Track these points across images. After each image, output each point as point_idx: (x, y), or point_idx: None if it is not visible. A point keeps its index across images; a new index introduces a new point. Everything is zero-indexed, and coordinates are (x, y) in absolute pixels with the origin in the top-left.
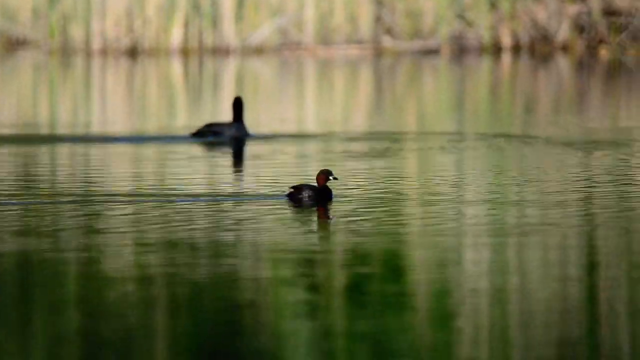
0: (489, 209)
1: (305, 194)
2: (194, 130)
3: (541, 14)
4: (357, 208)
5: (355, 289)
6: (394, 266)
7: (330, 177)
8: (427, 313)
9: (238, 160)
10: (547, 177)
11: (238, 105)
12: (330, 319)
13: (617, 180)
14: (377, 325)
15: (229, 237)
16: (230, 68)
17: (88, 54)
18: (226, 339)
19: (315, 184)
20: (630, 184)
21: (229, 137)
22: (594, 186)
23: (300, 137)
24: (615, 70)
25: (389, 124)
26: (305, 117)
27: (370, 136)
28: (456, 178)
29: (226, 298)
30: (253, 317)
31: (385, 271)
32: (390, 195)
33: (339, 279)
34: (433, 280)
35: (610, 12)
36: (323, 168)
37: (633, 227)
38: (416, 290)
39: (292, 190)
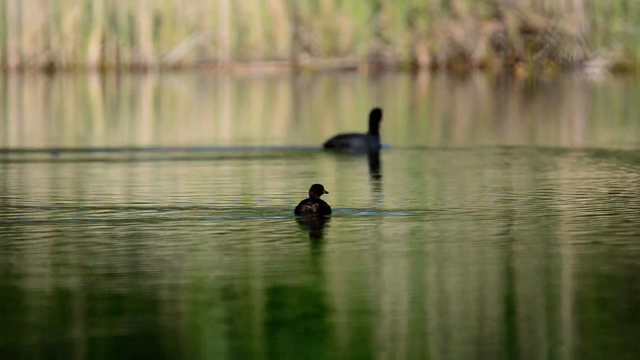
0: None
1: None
2: (324, 141)
3: (458, 32)
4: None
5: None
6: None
7: (324, 192)
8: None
9: (374, 170)
10: (466, 189)
11: (375, 117)
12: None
13: (534, 191)
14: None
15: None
16: (147, 85)
17: (4, 70)
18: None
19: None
20: (547, 195)
21: (356, 148)
22: (511, 197)
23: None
24: (532, 89)
25: (306, 140)
26: (224, 133)
27: (288, 152)
28: (377, 191)
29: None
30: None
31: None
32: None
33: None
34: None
35: (526, 31)
36: (315, 183)
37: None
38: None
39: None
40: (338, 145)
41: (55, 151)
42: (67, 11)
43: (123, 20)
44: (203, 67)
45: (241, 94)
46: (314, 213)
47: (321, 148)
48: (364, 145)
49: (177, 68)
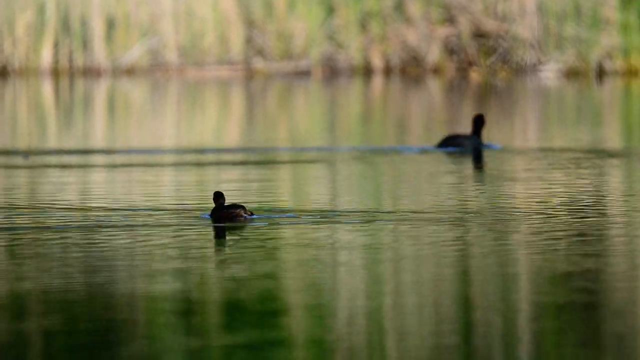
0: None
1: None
2: (437, 142)
3: (411, 36)
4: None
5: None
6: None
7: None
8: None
9: (479, 171)
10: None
11: (479, 121)
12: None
13: (488, 191)
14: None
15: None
16: (100, 89)
17: None
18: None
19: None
20: (502, 197)
21: (469, 148)
22: (470, 201)
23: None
24: (486, 93)
25: (259, 143)
26: (177, 136)
27: (243, 154)
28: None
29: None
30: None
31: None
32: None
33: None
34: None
35: (479, 35)
36: (218, 191)
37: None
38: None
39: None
40: (451, 146)
41: (25, 155)
42: (19, 15)
43: (76, 23)
44: (156, 70)
45: (195, 97)
46: (247, 220)
47: (434, 148)
48: (474, 146)
49: (130, 72)
